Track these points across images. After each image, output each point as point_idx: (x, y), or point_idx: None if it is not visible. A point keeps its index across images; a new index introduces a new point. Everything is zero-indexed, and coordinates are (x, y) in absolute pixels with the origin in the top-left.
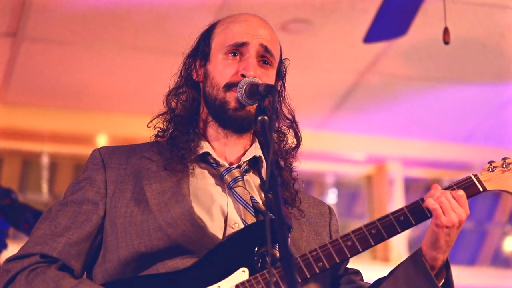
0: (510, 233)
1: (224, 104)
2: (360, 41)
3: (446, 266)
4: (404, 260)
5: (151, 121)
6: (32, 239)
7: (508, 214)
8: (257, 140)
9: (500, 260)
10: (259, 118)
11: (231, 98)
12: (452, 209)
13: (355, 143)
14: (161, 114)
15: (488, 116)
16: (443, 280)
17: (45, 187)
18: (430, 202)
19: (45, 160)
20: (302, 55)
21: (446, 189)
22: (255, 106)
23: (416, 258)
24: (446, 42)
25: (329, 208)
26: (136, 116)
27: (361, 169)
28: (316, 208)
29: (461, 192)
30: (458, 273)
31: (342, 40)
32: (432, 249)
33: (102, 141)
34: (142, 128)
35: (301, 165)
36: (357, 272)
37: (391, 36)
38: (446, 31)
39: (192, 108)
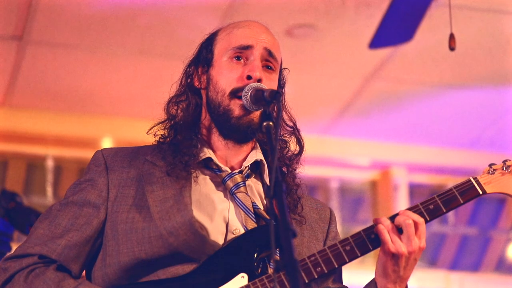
0: None
1: (228, 112)
2: (365, 47)
3: None
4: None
5: (151, 129)
6: (31, 238)
7: None
8: (258, 144)
9: (504, 267)
10: (264, 123)
11: (236, 106)
12: (400, 239)
13: (360, 149)
14: (162, 122)
15: (493, 121)
16: None
17: (49, 190)
18: (380, 227)
19: (49, 164)
20: (307, 60)
21: (439, 195)
22: (258, 114)
23: (369, 285)
24: (451, 48)
25: (331, 213)
26: (141, 120)
27: (365, 175)
28: (317, 213)
29: (419, 220)
30: (462, 279)
31: (347, 45)
32: (382, 276)
33: (106, 145)
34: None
35: (306, 170)
36: None
37: (397, 42)
38: (451, 37)
39: (194, 114)
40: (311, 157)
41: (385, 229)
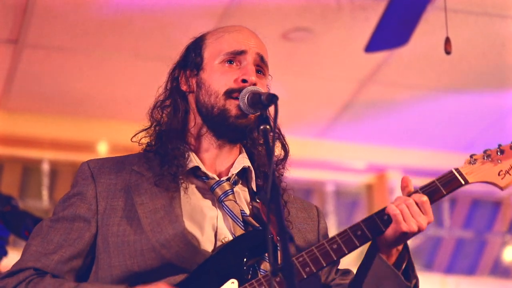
0: (509, 242)
1: (225, 112)
2: (361, 50)
3: (406, 247)
4: (363, 259)
5: (135, 135)
6: (24, 256)
7: (508, 223)
8: (244, 150)
9: (499, 270)
10: (261, 127)
11: (232, 105)
12: (413, 216)
13: (356, 152)
14: (146, 129)
15: (488, 125)
16: (405, 263)
17: (45, 194)
18: (391, 207)
19: (45, 167)
20: (303, 64)
21: (422, 188)
22: (255, 114)
23: (370, 254)
24: (447, 52)
25: (317, 210)
26: (137, 124)
27: (361, 178)
28: (305, 212)
29: (424, 198)
30: (457, 282)
31: (343, 49)
32: (386, 247)
33: (102, 148)
34: (142, 135)
35: (301, 174)
36: (347, 272)
37: (393, 46)
38: (447, 41)
39: (181, 120)
40: (307, 160)
41: (397, 208)
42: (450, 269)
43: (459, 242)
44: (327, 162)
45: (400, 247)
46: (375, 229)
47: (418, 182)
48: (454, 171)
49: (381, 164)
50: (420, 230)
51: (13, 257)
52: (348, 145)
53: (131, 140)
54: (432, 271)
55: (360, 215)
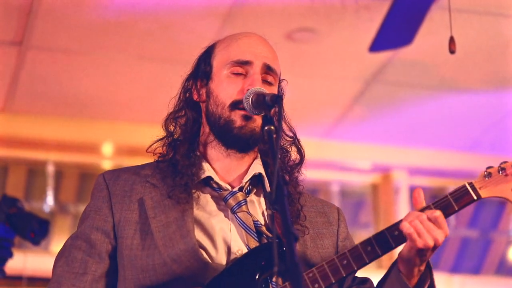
0: None
1: (229, 123)
2: (366, 50)
3: (429, 268)
4: (384, 275)
5: (150, 146)
6: (54, 279)
7: None
8: (259, 156)
9: (505, 269)
10: (266, 128)
11: (237, 116)
12: (427, 231)
13: (361, 152)
14: (161, 139)
15: (493, 124)
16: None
17: (50, 195)
18: (405, 226)
19: (50, 169)
20: (307, 64)
21: (434, 203)
22: (260, 124)
23: (393, 272)
24: (451, 51)
25: (338, 213)
26: (142, 125)
27: (366, 178)
28: (324, 217)
29: (437, 213)
30: (463, 282)
31: (348, 49)
32: (407, 265)
33: (107, 149)
34: (147, 136)
35: (307, 174)
36: (365, 281)
37: (397, 45)
38: (451, 40)
39: (193, 130)
40: (312, 160)
41: (411, 227)
42: (455, 269)
43: (464, 241)
44: (332, 162)
45: (422, 267)
46: (385, 246)
47: (423, 181)
48: (467, 185)
49: (386, 164)
50: (436, 245)
51: (18, 258)
52: (353, 145)
53: (146, 151)
54: (437, 271)
55: (365, 215)
